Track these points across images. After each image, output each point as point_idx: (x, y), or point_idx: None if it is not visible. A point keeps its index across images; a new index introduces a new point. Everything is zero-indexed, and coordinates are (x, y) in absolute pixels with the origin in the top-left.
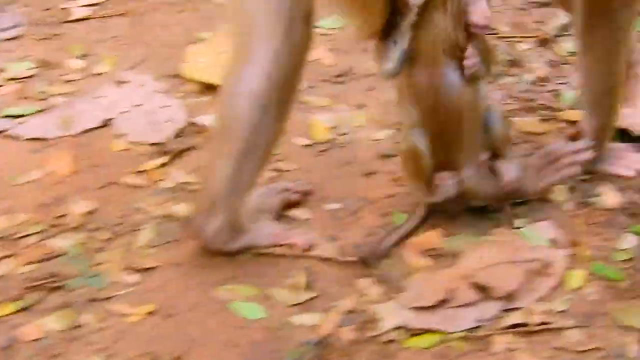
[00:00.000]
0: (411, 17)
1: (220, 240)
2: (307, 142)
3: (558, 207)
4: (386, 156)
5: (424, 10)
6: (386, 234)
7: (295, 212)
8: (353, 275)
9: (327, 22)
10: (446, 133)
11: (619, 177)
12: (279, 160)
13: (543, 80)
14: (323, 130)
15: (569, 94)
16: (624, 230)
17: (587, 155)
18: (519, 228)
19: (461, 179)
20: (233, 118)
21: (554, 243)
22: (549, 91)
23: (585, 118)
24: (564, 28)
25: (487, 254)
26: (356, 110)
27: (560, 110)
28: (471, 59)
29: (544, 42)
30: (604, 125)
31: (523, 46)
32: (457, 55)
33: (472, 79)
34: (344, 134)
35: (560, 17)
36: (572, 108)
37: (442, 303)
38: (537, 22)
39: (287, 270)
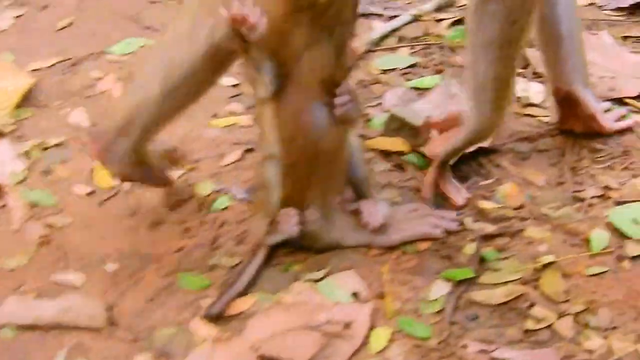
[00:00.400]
0: (254, 36)
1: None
2: (88, 189)
3: (364, 252)
4: (176, 203)
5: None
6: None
7: (67, 276)
8: (129, 350)
9: (119, 47)
10: (301, 169)
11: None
12: (53, 213)
13: None
14: (107, 175)
15: (380, 119)
16: (435, 276)
17: (454, 225)
18: (320, 280)
19: (305, 221)
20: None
21: (357, 297)
22: None
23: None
24: (378, 42)
25: (279, 319)
26: None
27: (369, 137)
28: (344, 97)
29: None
30: (483, 125)
31: None
32: (331, 90)
33: (341, 120)
34: None
35: (375, 30)
36: (382, 135)
37: None
38: None
39: (54, 347)
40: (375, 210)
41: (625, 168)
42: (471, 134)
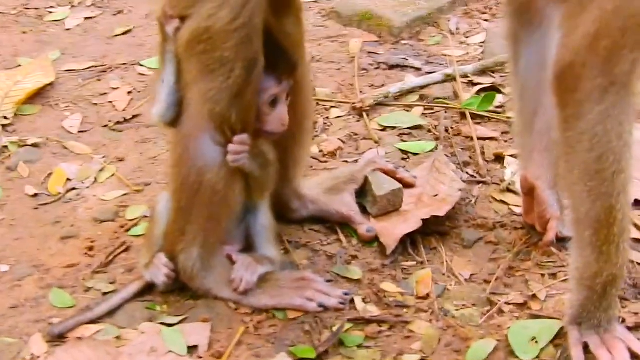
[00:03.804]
0: (169, 48)
1: None
2: (35, 191)
3: (235, 307)
4: (100, 221)
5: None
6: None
7: None
8: None
9: (152, 61)
10: (183, 199)
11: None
12: None
13: (331, 154)
14: (60, 182)
15: None
16: (284, 348)
17: (333, 303)
18: (172, 326)
19: (176, 266)
20: None
21: (192, 350)
22: (327, 169)
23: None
24: (396, 97)
25: (84, 354)
26: (112, 163)
27: None
28: (237, 147)
29: (359, 110)
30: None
31: (335, 112)
32: (225, 132)
33: (235, 168)
34: (75, 189)
35: (399, 84)
36: None
37: None
38: (371, 86)
39: None
40: (248, 270)
41: (567, 280)
42: (582, 282)
